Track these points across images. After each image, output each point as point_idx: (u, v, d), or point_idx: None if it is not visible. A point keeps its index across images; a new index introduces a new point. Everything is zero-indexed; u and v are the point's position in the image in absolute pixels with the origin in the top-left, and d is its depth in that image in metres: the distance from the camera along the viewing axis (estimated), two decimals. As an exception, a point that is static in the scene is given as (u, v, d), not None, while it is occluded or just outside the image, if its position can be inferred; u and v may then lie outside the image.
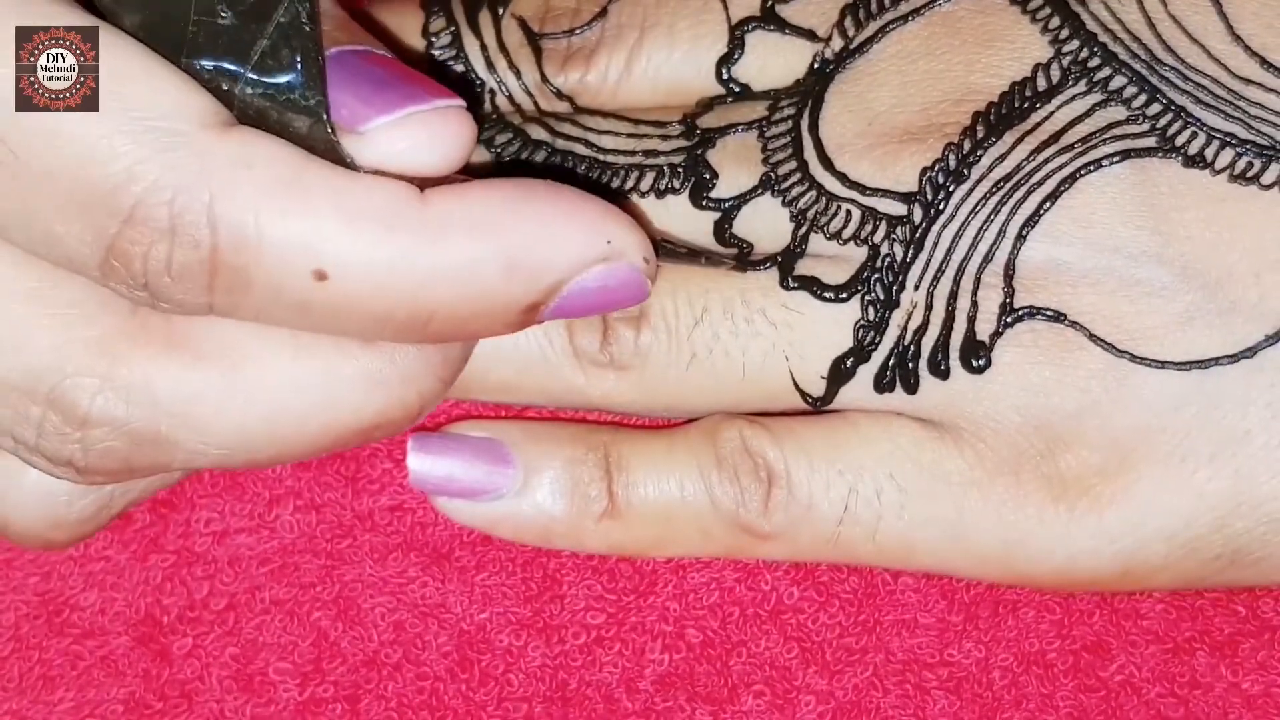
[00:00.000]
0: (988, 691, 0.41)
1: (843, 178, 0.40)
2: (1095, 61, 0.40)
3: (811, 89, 0.41)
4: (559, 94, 0.42)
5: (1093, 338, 0.39)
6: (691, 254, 0.40)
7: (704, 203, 0.41)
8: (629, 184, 0.41)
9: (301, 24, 0.33)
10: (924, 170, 0.39)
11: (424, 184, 0.34)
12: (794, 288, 0.40)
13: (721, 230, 0.41)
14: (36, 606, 0.42)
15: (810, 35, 0.42)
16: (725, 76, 0.42)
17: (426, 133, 0.33)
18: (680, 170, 0.41)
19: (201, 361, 0.34)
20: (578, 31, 0.42)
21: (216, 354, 0.34)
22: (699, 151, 0.41)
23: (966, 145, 0.39)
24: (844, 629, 0.42)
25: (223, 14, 0.33)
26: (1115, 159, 0.39)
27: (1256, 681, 0.41)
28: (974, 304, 0.39)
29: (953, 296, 0.39)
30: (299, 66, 0.33)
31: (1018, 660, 0.41)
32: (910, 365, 0.40)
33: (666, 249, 0.39)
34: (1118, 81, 0.39)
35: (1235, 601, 0.42)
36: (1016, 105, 0.40)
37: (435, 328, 0.34)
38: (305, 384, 0.35)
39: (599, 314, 0.36)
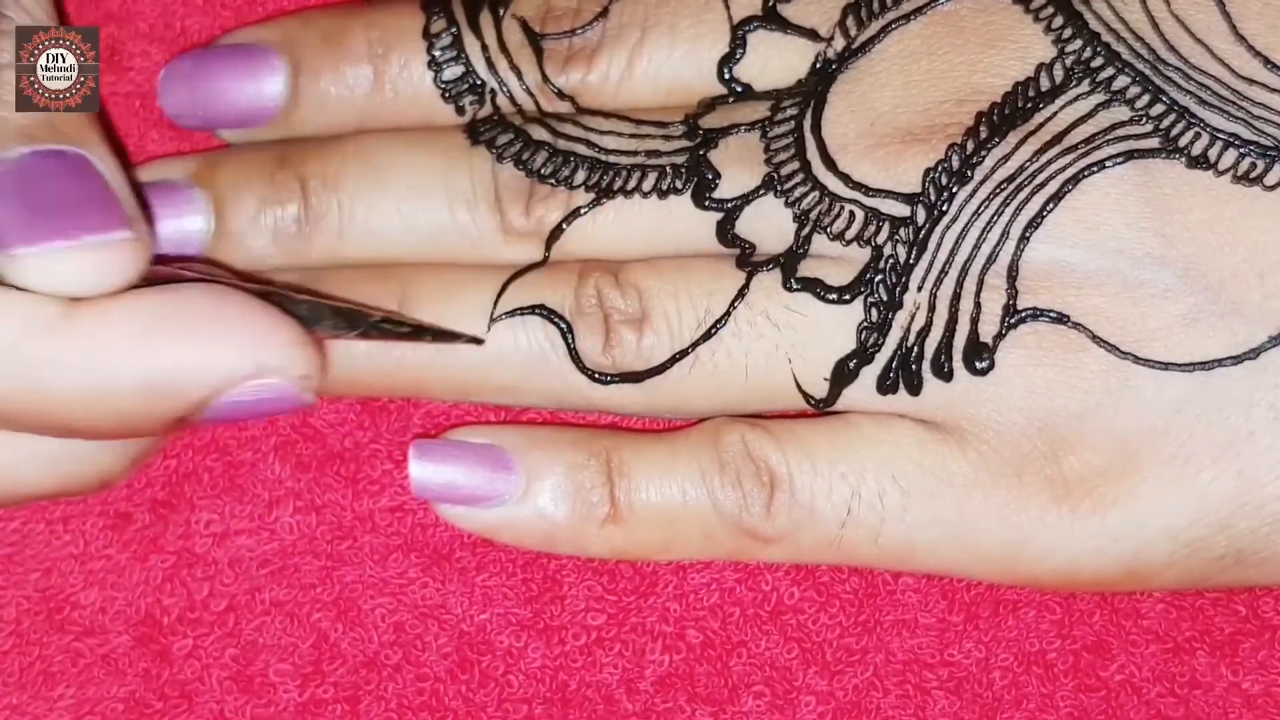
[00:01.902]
0: (988, 691, 0.41)
1: (845, 178, 0.40)
2: (1098, 61, 0.40)
3: (814, 89, 0.41)
4: (560, 94, 0.42)
5: (1096, 339, 0.39)
6: (415, 332, 0.40)
7: (706, 203, 0.41)
8: (631, 184, 0.41)
9: None
10: (927, 171, 0.39)
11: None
12: (797, 289, 0.40)
13: (724, 231, 0.41)
14: (37, 603, 0.42)
15: (812, 35, 0.42)
16: (727, 76, 0.42)
17: (72, 267, 0.34)
18: (682, 171, 0.41)
19: None
20: (579, 31, 0.42)
21: None
22: (701, 152, 0.41)
23: (970, 146, 0.39)
24: (844, 629, 0.42)
25: None
26: (1118, 160, 0.39)
27: (1257, 681, 0.41)
28: (977, 305, 0.39)
29: (956, 298, 0.39)
30: None
31: (1018, 660, 0.41)
32: (913, 367, 0.40)
33: (382, 328, 0.39)
34: (1121, 81, 0.39)
35: (1235, 601, 0.42)
36: (1020, 105, 0.40)
37: (82, 434, 0.35)
38: None
39: (264, 418, 0.37)
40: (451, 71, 0.42)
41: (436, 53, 0.42)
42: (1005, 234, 0.39)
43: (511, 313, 0.41)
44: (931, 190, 0.39)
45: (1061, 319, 0.39)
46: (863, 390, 0.40)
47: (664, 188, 0.41)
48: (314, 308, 0.38)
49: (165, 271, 0.36)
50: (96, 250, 0.34)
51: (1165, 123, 0.39)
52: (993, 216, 0.39)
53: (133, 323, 0.34)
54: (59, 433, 0.36)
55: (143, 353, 0.34)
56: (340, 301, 0.40)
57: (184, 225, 0.42)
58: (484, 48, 0.42)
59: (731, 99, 0.42)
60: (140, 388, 0.34)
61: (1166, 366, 0.38)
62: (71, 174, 0.35)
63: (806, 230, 0.40)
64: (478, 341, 0.41)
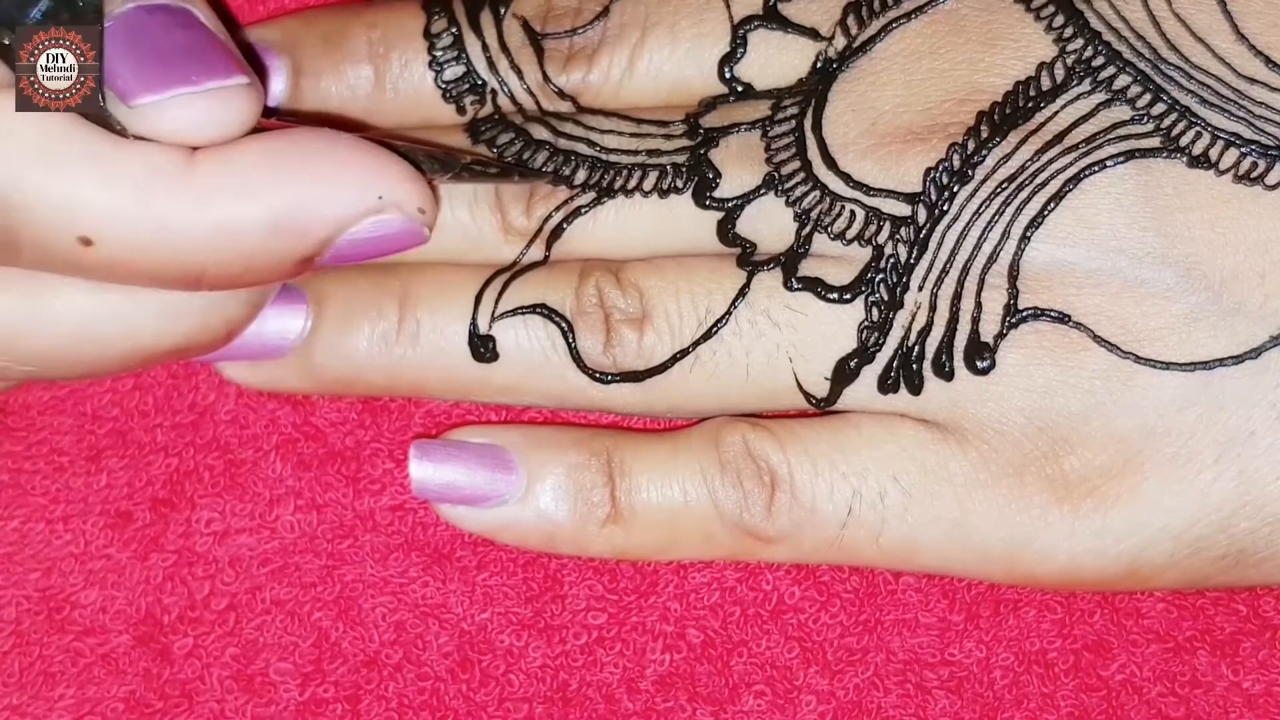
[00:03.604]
0: (989, 691, 0.41)
1: (846, 178, 0.40)
2: (1099, 60, 0.40)
3: (814, 88, 0.41)
4: (561, 94, 0.42)
5: (1097, 339, 0.39)
6: (503, 172, 0.40)
7: (707, 202, 0.41)
8: (632, 183, 0.41)
9: None
10: (928, 170, 0.39)
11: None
12: (798, 288, 0.40)
13: (725, 230, 0.41)
14: (38, 602, 0.42)
15: (813, 34, 0.42)
16: (728, 75, 0.42)
17: (195, 114, 0.34)
18: (683, 170, 0.41)
19: (3, 290, 0.36)
20: (580, 31, 0.42)
21: (18, 283, 0.36)
22: (702, 151, 0.41)
23: (970, 145, 0.39)
24: (845, 629, 0.42)
25: None
26: (1119, 159, 0.39)
27: (1257, 681, 0.41)
28: (978, 305, 0.39)
29: (957, 297, 0.39)
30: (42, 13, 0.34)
31: (1019, 659, 0.41)
32: (914, 366, 0.40)
33: (473, 170, 0.40)
34: (1122, 81, 0.39)
35: (1236, 601, 0.42)
36: (1021, 105, 0.40)
37: (210, 283, 0.35)
38: (105, 313, 0.36)
39: (381, 257, 0.37)
40: (452, 71, 0.43)
41: (437, 52, 0.42)
42: (1006, 233, 0.39)
43: (512, 312, 0.41)
44: (932, 190, 0.39)
45: (1063, 318, 0.39)
46: (864, 390, 0.40)
47: (665, 187, 0.41)
48: (410, 151, 0.38)
49: (277, 124, 0.36)
50: (215, 96, 0.34)
51: (1166, 122, 0.39)
52: (994, 216, 0.39)
53: (256, 164, 0.34)
54: (189, 284, 0.35)
55: (268, 193, 0.34)
56: (432, 146, 0.40)
57: None
58: (485, 47, 0.42)
59: (732, 98, 0.42)
60: (268, 227, 0.35)
61: (1168, 366, 0.38)
62: (180, 25, 0.35)
63: (807, 229, 0.40)
64: (562, 180, 0.41)
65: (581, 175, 0.41)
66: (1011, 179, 0.39)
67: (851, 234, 0.40)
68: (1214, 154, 0.39)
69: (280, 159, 0.35)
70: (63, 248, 0.34)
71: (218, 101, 0.34)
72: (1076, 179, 0.39)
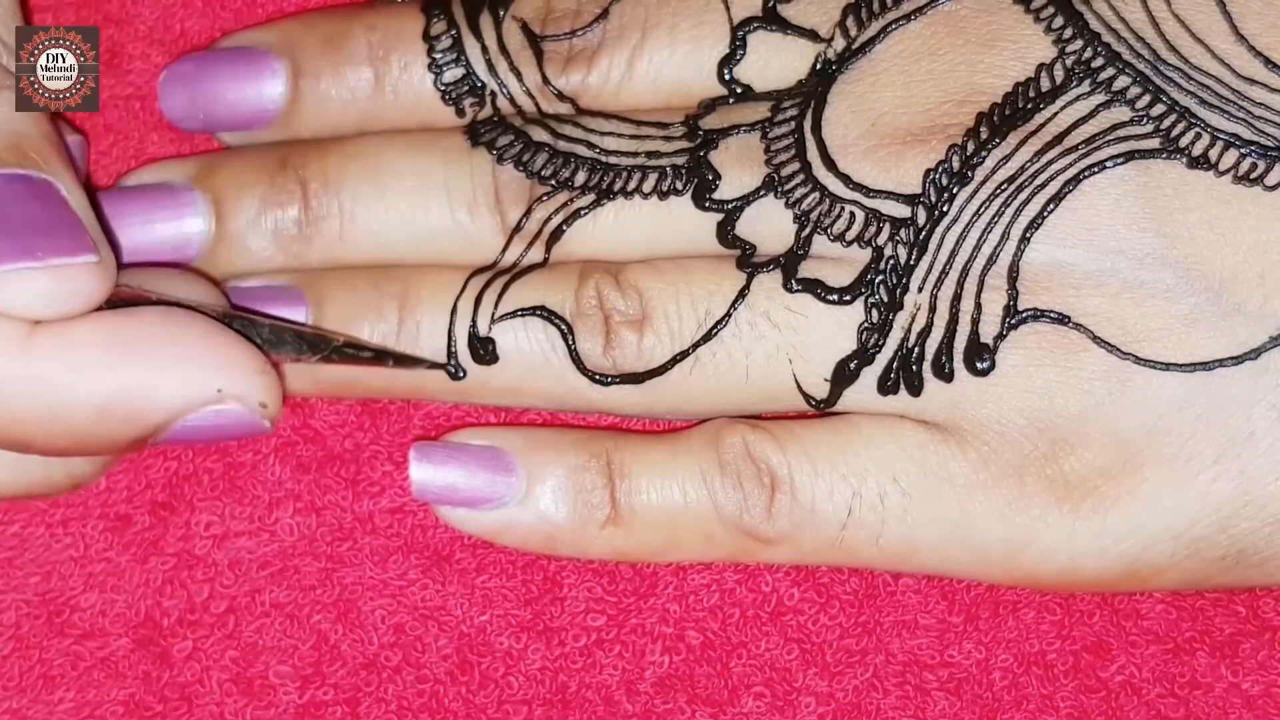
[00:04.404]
0: (988, 692, 0.41)
1: (846, 179, 0.40)
2: (1099, 62, 0.40)
3: (814, 89, 0.41)
4: (561, 96, 0.42)
5: (1097, 340, 0.39)
6: (377, 356, 0.40)
7: (707, 204, 0.41)
8: (631, 185, 0.41)
9: None
10: (927, 172, 0.39)
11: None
12: (797, 290, 0.40)
13: (724, 232, 0.41)
14: (37, 606, 0.42)
15: (812, 35, 0.42)
16: (727, 77, 0.42)
17: (37, 289, 0.34)
18: (683, 171, 0.41)
19: None
20: (579, 33, 0.42)
21: None
22: (701, 153, 0.41)
23: (970, 146, 0.39)
24: (844, 630, 0.42)
25: None
26: (1119, 160, 0.39)
27: (1257, 682, 0.41)
28: (978, 306, 0.39)
29: (956, 299, 0.39)
30: None
31: (1018, 661, 0.41)
32: (914, 367, 0.40)
33: (344, 353, 0.40)
34: (1121, 82, 0.39)
35: (1235, 602, 0.42)
36: (1020, 106, 0.40)
37: (40, 451, 0.36)
38: None
39: (220, 443, 0.37)
40: (452, 74, 0.42)
41: (437, 55, 0.42)
42: (1006, 235, 0.39)
43: (512, 314, 0.41)
44: (932, 191, 0.39)
45: (1062, 320, 0.39)
46: (863, 391, 0.40)
47: (664, 189, 0.41)
48: (277, 331, 0.39)
49: (128, 293, 0.36)
50: (61, 273, 0.34)
51: (1166, 123, 0.39)
52: (993, 217, 0.39)
53: (93, 345, 0.35)
54: (17, 449, 0.36)
55: (102, 376, 0.35)
56: (302, 326, 0.40)
57: (184, 227, 0.42)
58: (484, 49, 0.42)
59: (732, 100, 0.42)
60: (98, 410, 0.35)
61: (1167, 367, 0.39)
62: (37, 198, 0.35)
63: (807, 231, 0.40)
64: (441, 367, 0.41)
65: (581, 177, 0.41)
66: (1011, 180, 0.39)
67: (851, 235, 0.40)
68: (1213, 155, 0.39)
69: (120, 340, 0.35)
70: None
71: (62, 278, 0.34)
72: (1076, 180, 0.39)
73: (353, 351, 0.40)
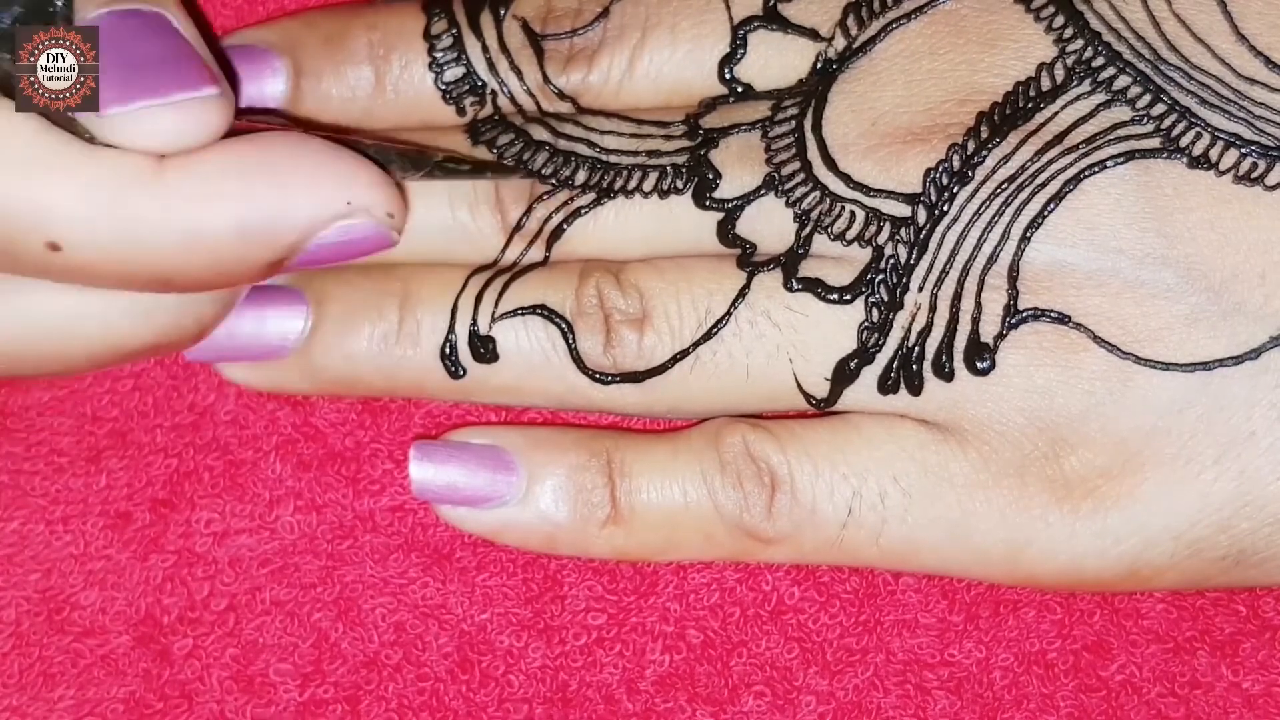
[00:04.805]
0: (988, 691, 0.41)
1: (846, 178, 0.40)
2: (1099, 61, 0.40)
3: (814, 89, 0.41)
4: (561, 95, 0.42)
5: (1097, 339, 0.39)
6: (476, 169, 0.41)
7: (707, 203, 0.41)
8: (632, 184, 0.41)
9: None
10: (928, 171, 0.39)
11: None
12: (797, 289, 0.40)
13: (725, 231, 0.41)
14: (37, 604, 0.42)
15: (813, 34, 0.42)
16: (728, 76, 0.42)
17: (164, 124, 0.34)
18: (683, 170, 0.41)
19: None
20: (580, 32, 0.42)
21: None
22: (702, 152, 0.41)
23: (970, 146, 0.39)
24: (845, 629, 0.42)
25: None
26: (1119, 160, 0.39)
27: (1257, 681, 0.41)
28: (978, 306, 0.39)
29: (957, 298, 0.39)
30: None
31: (1018, 660, 0.41)
32: (914, 367, 0.40)
33: (445, 167, 0.40)
34: (1122, 81, 0.39)
35: (1236, 601, 0.42)
36: (1021, 105, 0.40)
37: (180, 286, 0.36)
38: (77, 312, 0.36)
39: (352, 260, 0.37)
40: (453, 73, 0.42)
41: (438, 54, 0.42)
42: (1006, 234, 0.39)
43: (512, 313, 0.41)
44: (932, 190, 0.39)
45: (1062, 319, 0.39)
46: (864, 390, 0.40)
47: (665, 188, 0.41)
48: (381, 151, 0.38)
49: (246, 125, 0.36)
50: (185, 107, 0.34)
51: (1166, 123, 0.39)
52: (994, 217, 0.39)
53: (224, 171, 0.35)
54: (159, 286, 0.36)
55: (235, 199, 0.35)
56: (405, 144, 0.40)
57: None
58: (485, 48, 0.42)
59: (732, 99, 0.42)
60: (236, 233, 0.35)
61: (1168, 367, 0.38)
62: (153, 32, 0.35)
63: (807, 230, 0.40)
64: (530, 173, 0.41)
65: (582, 176, 0.41)
66: (1011, 179, 0.39)
67: (851, 235, 0.40)
68: (1214, 154, 0.39)
69: (248, 165, 0.35)
70: (30, 252, 0.34)
71: (187, 112, 0.34)
72: (1076, 179, 0.39)
73: (453, 165, 0.40)
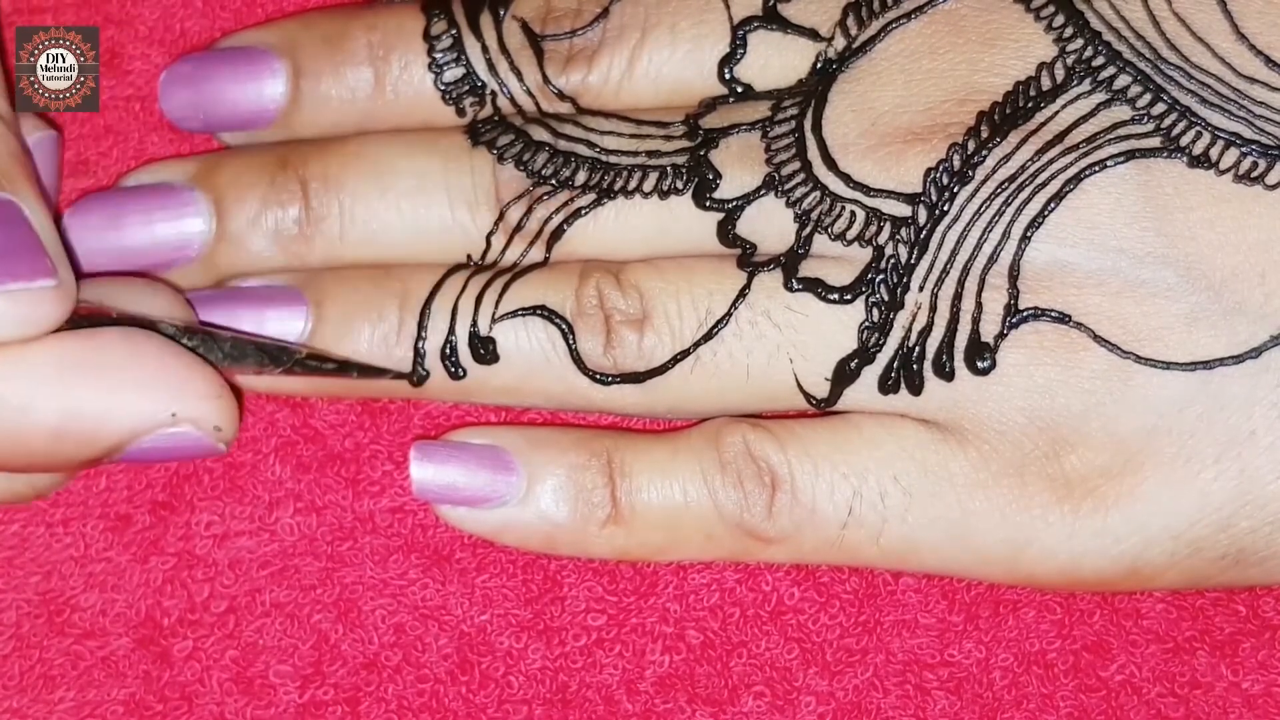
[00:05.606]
0: (988, 691, 0.41)
1: (846, 178, 0.40)
2: (1100, 60, 0.40)
3: (814, 88, 0.41)
4: (561, 95, 0.42)
5: (1097, 339, 0.39)
6: (341, 368, 0.40)
7: (707, 203, 0.41)
8: (632, 185, 0.41)
9: None
10: (928, 171, 0.39)
11: None
12: (798, 289, 0.40)
13: (725, 231, 0.41)
14: (37, 606, 0.42)
15: (813, 34, 0.42)
16: (728, 76, 0.42)
17: None
18: (683, 171, 0.41)
19: None
20: (579, 32, 0.42)
21: None
22: (702, 152, 0.41)
23: (971, 145, 0.39)
24: (844, 630, 0.42)
25: None
26: (1120, 159, 0.39)
27: (1257, 681, 0.41)
28: (978, 305, 0.39)
29: (957, 298, 0.39)
30: None
31: (1018, 660, 0.41)
32: (915, 366, 0.40)
33: (308, 365, 0.40)
34: (1122, 80, 0.39)
35: (1236, 601, 0.42)
36: (1021, 105, 0.40)
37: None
38: None
39: (176, 461, 0.38)
40: (452, 73, 0.42)
41: (437, 54, 0.42)
42: (1006, 234, 0.39)
43: (513, 313, 0.41)
44: (933, 190, 0.39)
45: (1063, 319, 0.39)
46: (864, 390, 0.40)
47: (665, 188, 0.41)
48: (238, 345, 0.39)
49: (87, 310, 0.36)
50: (19, 297, 0.34)
51: (1166, 122, 0.39)
52: (994, 216, 0.39)
53: (49, 368, 0.35)
54: None
55: (57, 399, 0.35)
56: (264, 339, 0.40)
57: (184, 227, 0.42)
58: (485, 49, 0.42)
59: (732, 99, 0.42)
60: (53, 432, 0.35)
61: (1168, 366, 0.38)
62: (2, 220, 0.35)
63: (808, 230, 0.40)
64: (405, 377, 0.41)
65: (582, 176, 0.41)
66: (1012, 179, 0.39)
67: (852, 234, 0.40)
68: (1214, 154, 0.39)
69: (76, 365, 0.35)
70: None
71: (20, 303, 0.34)
72: (1077, 179, 0.39)
73: (315, 364, 0.40)
